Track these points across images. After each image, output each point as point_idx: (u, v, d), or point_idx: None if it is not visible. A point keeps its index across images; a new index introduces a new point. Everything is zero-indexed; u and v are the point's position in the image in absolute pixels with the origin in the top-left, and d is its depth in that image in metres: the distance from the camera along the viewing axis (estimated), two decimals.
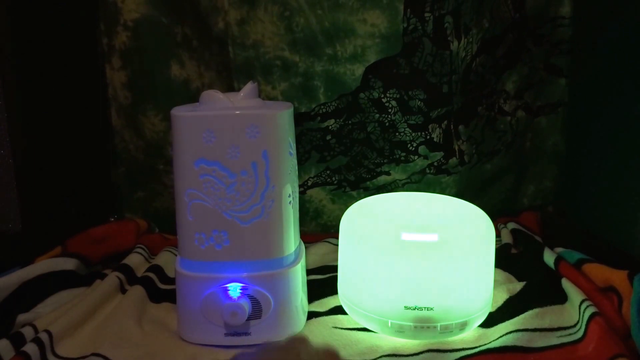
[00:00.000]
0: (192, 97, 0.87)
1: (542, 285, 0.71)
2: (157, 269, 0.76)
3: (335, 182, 0.91)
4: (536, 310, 0.66)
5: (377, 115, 0.87)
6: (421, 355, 0.60)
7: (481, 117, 0.91)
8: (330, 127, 0.88)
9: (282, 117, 0.60)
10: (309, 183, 0.91)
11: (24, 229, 0.82)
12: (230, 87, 0.85)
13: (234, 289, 0.61)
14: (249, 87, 0.62)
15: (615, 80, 0.82)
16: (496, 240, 0.70)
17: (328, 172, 0.90)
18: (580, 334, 0.61)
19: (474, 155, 0.91)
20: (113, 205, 0.95)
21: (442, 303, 0.60)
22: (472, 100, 0.89)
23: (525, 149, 0.97)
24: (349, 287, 0.66)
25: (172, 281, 0.71)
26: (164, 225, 0.93)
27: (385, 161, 0.90)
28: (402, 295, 0.61)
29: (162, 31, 0.86)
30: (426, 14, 0.82)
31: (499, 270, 0.76)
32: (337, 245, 0.69)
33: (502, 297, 0.69)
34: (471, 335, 0.63)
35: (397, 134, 0.88)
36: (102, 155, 0.93)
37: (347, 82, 0.85)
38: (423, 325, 0.61)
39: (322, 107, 0.86)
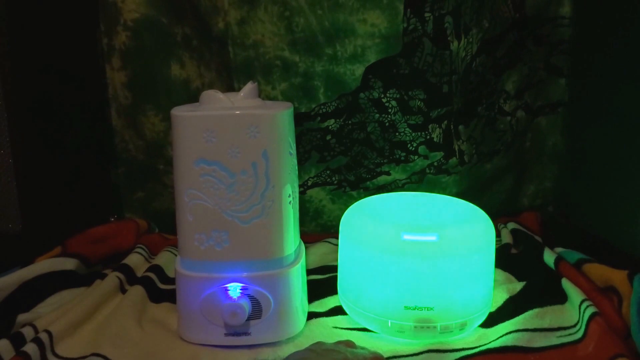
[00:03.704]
0: (192, 97, 0.87)
1: (542, 285, 0.71)
2: (157, 269, 0.76)
3: (335, 182, 0.91)
4: (536, 310, 0.66)
5: (377, 115, 0.87)
6: (421, 356, 0.60)
7: (481, 117, 0.91)
8: (330, 127, 0.88)
9: (282, 117, 0.60)
10: (309, 183, 0.91)
11: (24, 229, 0.82)
12: (230, 87, 0.85)
13: (234, 289, 0.61)
14: (249, 87, 0.62)
15: (615, 80, 0.82)
16: (496, 240, 0.70)
17: (328, 172, 0.90)
18: (580, 334, 0.61)
19: (474, 155, 0.91)
20: (113, 205, 0.95)
21: (442, 303, 0.60)
22: (472, 100, 0.89)
23: (525, 149, 0.97)
24: (349, 287, 0.66)
25: (172, 281, 0.71)
26: (164, 225, 0.93)
27: (385, 161, 0.90)
28: (402, 295, 0.61)
29: (162, 31, 0.86)
30: (426, 14, 0.82)
31: (499, 270, 0.76)
32: (337, 245, 0.69)
33: (502, 297, 0.69)
34: (471, 335, 0.63)
35: (397, 134, 0.88)
36: (102, 155, 0.93)
37: (347, 82, 0.85)
38: (423, 325, 0.61)
39: (322, 107, 0.86)
